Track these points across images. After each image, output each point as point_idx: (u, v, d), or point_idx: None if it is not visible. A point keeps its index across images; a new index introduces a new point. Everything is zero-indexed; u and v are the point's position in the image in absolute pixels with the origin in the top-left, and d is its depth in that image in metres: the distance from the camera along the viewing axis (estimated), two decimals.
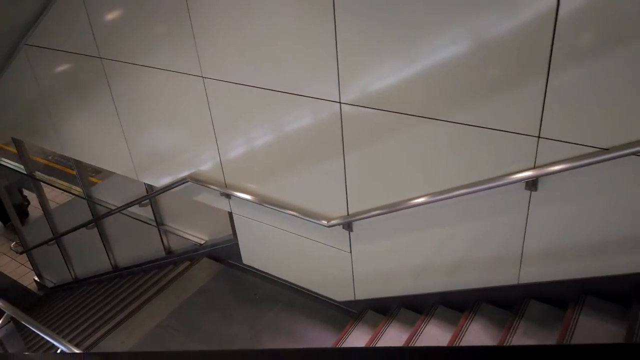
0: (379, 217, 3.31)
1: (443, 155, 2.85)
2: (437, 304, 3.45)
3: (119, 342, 4.28)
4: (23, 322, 3.29)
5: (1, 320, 3.37)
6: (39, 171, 6.92)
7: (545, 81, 2.29)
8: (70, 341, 3.99)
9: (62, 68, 4.81)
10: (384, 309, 3.78)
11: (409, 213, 3.18)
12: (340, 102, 3.06)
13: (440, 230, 3.16)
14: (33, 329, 3.26)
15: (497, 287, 3.09)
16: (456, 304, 3.38)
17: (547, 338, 2.74)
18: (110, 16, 4.05)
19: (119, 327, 4.48)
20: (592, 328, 2.59)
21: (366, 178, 3.27)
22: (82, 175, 5.99)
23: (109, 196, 6.00)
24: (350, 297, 3.96)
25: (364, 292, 3.87)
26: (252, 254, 4.51)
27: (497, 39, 2.34)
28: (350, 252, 3.70)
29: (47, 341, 3.78)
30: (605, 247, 2.58)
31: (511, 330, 2.84)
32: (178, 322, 4.28)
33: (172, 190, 4.51)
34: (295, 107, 3.30)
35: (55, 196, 7.72)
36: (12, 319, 3.33)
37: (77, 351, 3.09)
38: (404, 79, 2.73)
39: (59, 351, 3.21)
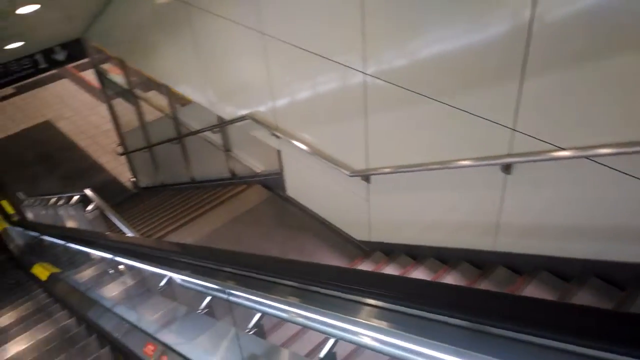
0: (389, 175, 3.84)
1: (443, 132, 3.28)
2: (428, 255, 3.99)
3: (181, 239, 5.27)
4: (105, 212, 4.29)
5: (92, 206, 4.40)
6: (138, 89, 8.00)
7: (519, 83, 2.64)
8: (143, 233, 5.03)
9: (154, 6, 5.58)
10: (389, 252, 4.38)
11: (413, 175, 3.67)
12: (364, 73, 3.53)
13: (435, 193, 3.65)
14: (110, 217, 4.25)
15: (474, 250, 3.57)
16: (442, 258, 3.91)
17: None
18: None
19: (183, 227, 5.48)
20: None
21: (382, 140, 3.78)
22: (171, 98, 6.93)
23: (191, 119, 6.92)
24: (365, 238, 4.60)
25: (377, 236, 4.48)
26: (294, 187, 5.24)
27: (489, 40, 2.69)
28: (368, 201, 4.28)
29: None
30: (564, 230, 2.96)
31: (475, 284, 3.36)
32: (227, 231, 5.16)
33: (235, 124, 5.27)
34: (330, 70, 3.82)
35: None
36: (98, 207, 4.35)
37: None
38: (417, 61, 3.15)
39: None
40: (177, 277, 2.98)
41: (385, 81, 3.40)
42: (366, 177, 4.11)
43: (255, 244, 4.92)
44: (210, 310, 2.88)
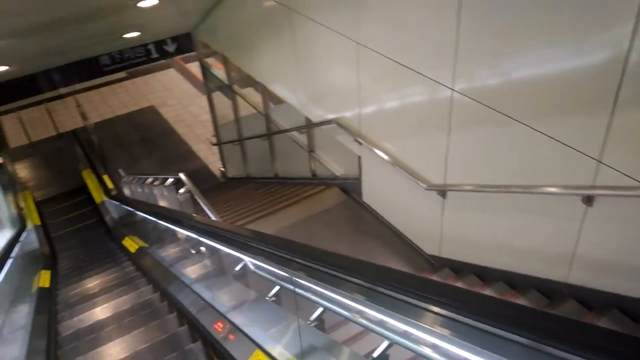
0: (466, 192, 3.84)
1: (526, 156, 3.25)
2: (499, 279, 3.93)
3: (258, 229, 5.54)
4: (195, 196, 4.64)
5: (183, 189, 4.78)
6: (236, 84, 8.47)
7: (610, 115, 2.57)
8: (225, 219, 5.36)
9: (260, 9, 5.91)
10: (457, 270, 4.36)
11: (491, 195, 3.65)
12: (452, 89, 3.57)
13: (511, 216, 3.60)
14: (199, 201, 4.60)
15: (546, 279, 3.48)
16: (511, 283, 3.84)
17: None
18: None
19: (262, 218, 5.76)
20: None
21: (463, 157, 3.79)
22: (265, 96, 7.28)
23: (280, 118, 7.24)
24: (435, 252, 4.60)
25: (448, 252, 4.47)
26: (370, 194, 5.34)
27: (584, 67, 2.65)
28: (442, 216, 4.30)
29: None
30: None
31: None
32: (302, 229, 5.37)
33: (321, 127, 5.47)
34: (418, 84, 3.89)
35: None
36: (189, 191, 4.72)
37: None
38: (508, 82, 3.15)
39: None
40: (251, 262, 3.20)
41: (473, 99, 3.41)
42: (442, 192, 4.13)
43: (327, 244, 5.06)
44: (278, 299, 3.08)
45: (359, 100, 4.73)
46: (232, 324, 3.12)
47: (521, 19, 2.88)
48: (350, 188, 5.77)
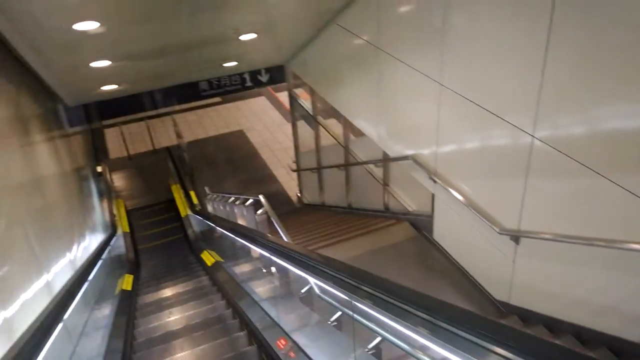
0: (542, 240, 3.76)
1: (606, 210, 3.14)
2: (567, 332, 3.76)
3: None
4: (271, 218, 4.88)
5: (261, 210, 5.05)
6: (320, 115, 8.80)
7: None
8: (296, 243, 5.54)
9: (349, 47, 6.18)
10: (526, 319, 4.22)
11: (566, 246, 3.54)
12: (532, 135, 3.55)
13: (587, 270, 3.47)
14: (274, 222, 4.83)
15: (618, 337, 3.30)
16: (582, 338, 3.66)
17: None
18: (393, 18, 5.13)
19: (332, 246, 5.89)
20: None
21: (540, 204, 3.72)
22: (346, 128, 7.51)
23: (359, 150, 7.41)
24: (504, 299, 4.48)
25: (517, 299, 4.35)
26: (441, 232, 5.32)
27: None
28: (514, 262, 4.20)
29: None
30: None
31: None
32: (369, 260, 5.43)
33: (398, 162, 5.56)
34: (498, 127, 3.89)
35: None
36: (267, 213, 4.97)
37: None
38: (593, 133, 3.10)
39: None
40: (316, 286, 3.33)
41: (554, 148, 3.37)
42: (516, 238, 4.05)
43: (392, 277, 5.09)
44: (339, 324, 3.17)
45: (437, 139, 4.79)
46: (294, 342, 3.25)
47: (612, 70, 2.85)
48: (421, 224, 5.77)
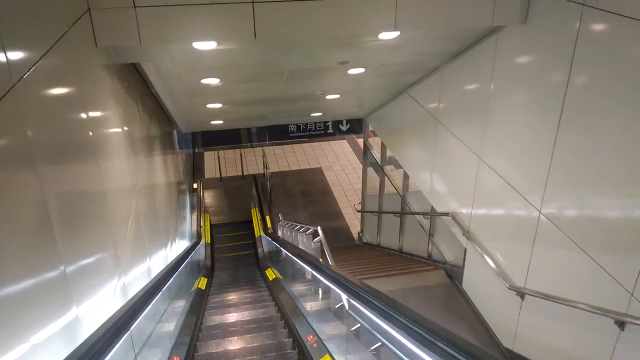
0: (541, 300, 4.38)
1: (584, 280, 3.77)
2: None
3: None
4: (324, 246, 5.82)
5: (316, 239, 6.01)
6: (387, 165, 9.72)
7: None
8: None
9: (416, 113, 7.11)
10: None
11: (566, 309, 4.11)
12: (539, 211, 4.26)
13: (582, 332, 4.06)
14: (325, 250, 5.74)
15: None
16: None
17: None
18: (451, 97, 6.02)
19: (371, 279, 6.68)
20: None
21: (542, 268, 4.37)
22: (405, 180, 8.36)
23: (413, 201, 8.22)
24: (509, 346, 5.06)
25: (520, 349, 4.92)
26: (468, 282, 5.98)
27: (629, 219, 3.25)
28: (519, 315, 4.82)
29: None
30: None
31: None
32: (401, 296, 6.15)
33: (441, 217, 6.33)
34: (516, 199, 4.61)
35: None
36: (320, 242, 5.92)
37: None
38: (581, 216, 3.78)
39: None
40: (347, 302, 4.18)
41: (554, 224, 4.06)
42: (521, 294, 4.69)
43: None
44: (357, 334, 3.99)
45: (473, 202, 5.54)
46: (319, 338, 4.12)
47: (598, 168, 3.57)
48: (454, 274, 6.44)
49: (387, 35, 4.40)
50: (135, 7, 3.32)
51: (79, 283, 2.41)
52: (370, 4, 3.74)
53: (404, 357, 2.86)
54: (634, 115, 3.14)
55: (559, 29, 3.76)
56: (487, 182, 5.19)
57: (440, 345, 2.02)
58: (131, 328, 2.46)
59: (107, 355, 2.03)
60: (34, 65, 2.07)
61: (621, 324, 3.38)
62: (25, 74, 1.96)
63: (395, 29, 3.89)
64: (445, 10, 3.93)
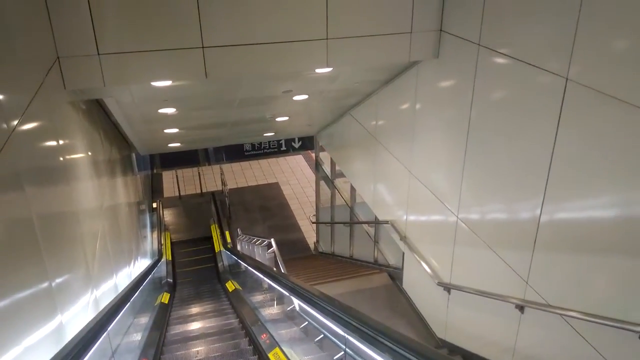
0: (464, 293, 5.04)
1: (490, 270, 4.45)
2: None
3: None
4: (277, 257, 6.33)
5: (270, 250, 6.51)
6: (337, 178, 10.35)
7: (531, 253, 3.80)
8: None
9: (358, 132, 7.77)
10: (452, 352, 5.43)
11: (484, 300, 4.78)
12: (457, 216, 4.94)
13: (496, 319, 4.73)
14: (279, 261, 6.26)
15: None
16: None
17: None
18: (385, 117, 6.70)
19: (322, 284, 7.22)
20: None
21: (462, 265, 5.05)
22: (352, 192, 9.00)
23: (359, 212, 8.86)
24: (442, 336, 5.71)
25: (450, 337, 5.57)
26: (407, 282, 6.63)
27: (513, 218, 3.95)
28: (447, 307, 5.47)
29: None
30: None
31: None
32: (349, 298, 6.72)
33: (382, 225, 6.98)
34: (440, 208, 5.29)
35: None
36: (274, 253, 6.44)
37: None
38: (483, 218, 4.46)
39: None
40: (298, 305, 4.71)
41: (467, 225, 4.75)
42: (448, 289, 5.35)
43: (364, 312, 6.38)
44: (305, 331, 4.53)
45: (407, 210, 6.20)
46: (272, 336, 4.63)
47: (492, 182, 4.27)
48: (396, 275, 7.08)
49: (321, 70, 5.02)
50: (99, 54, 3.78)
51: (62, 294, 2.84)
52: (304, 47, 4.33)
53: (342, 345, 3.47)
54: (511, 132, 3.86)
55: (463, 62, 4.46)
56: (417, 192, 5.86)
57: (365, 330, 2.64)
58: (109, 329, 2.91)
59: (87, 354, 2.46)
60: (24, 112, 2.52)
61: (521, 308, 4.06)
62: (17, 122, 2.40)
63: (327, 66, 4.50)
64: (370, 50, 4.57)
